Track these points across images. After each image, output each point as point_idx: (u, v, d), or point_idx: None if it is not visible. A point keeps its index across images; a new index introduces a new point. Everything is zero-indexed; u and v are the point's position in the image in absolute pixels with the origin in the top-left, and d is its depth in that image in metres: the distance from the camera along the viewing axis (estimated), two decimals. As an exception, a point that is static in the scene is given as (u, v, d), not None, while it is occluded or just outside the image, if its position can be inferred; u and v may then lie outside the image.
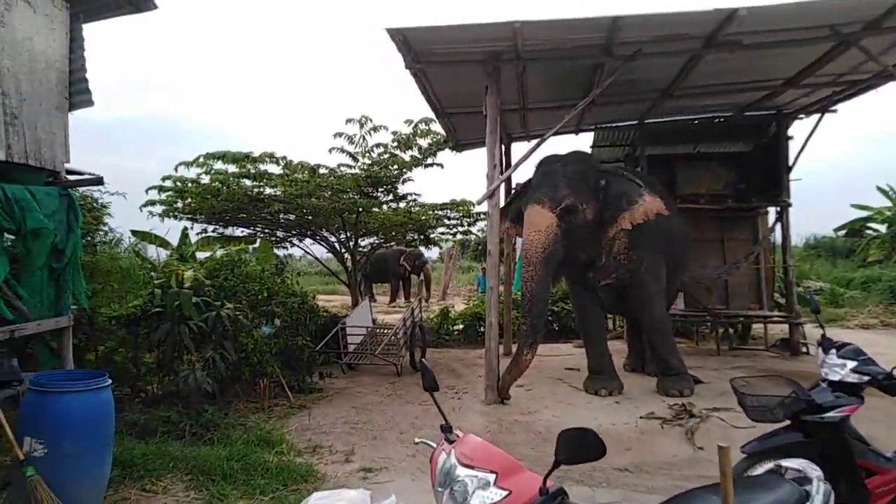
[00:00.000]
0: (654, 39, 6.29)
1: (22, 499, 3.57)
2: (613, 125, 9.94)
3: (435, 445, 2.35)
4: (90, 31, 5.18)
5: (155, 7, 5.27)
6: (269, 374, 6.73)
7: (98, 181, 5.15)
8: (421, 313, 9.86)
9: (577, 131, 9.94)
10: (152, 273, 7.60)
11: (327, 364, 8.24)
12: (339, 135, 10.00)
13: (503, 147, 9.70)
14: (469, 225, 11.55)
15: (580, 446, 1.86)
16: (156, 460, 4.58)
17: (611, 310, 8.83)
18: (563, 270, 6.92)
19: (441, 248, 14.42)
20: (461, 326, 11.75)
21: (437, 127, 9.77)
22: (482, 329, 11.20)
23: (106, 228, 8.10)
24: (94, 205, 7.68)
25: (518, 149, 10.02)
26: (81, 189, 5.71)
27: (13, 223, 4.26)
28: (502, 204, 7.18)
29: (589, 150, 10.34)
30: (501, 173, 7.06)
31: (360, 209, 10.02)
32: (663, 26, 6.08)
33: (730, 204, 9.35)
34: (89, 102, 5.07)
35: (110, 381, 4.05)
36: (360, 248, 11.70)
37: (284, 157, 9.85)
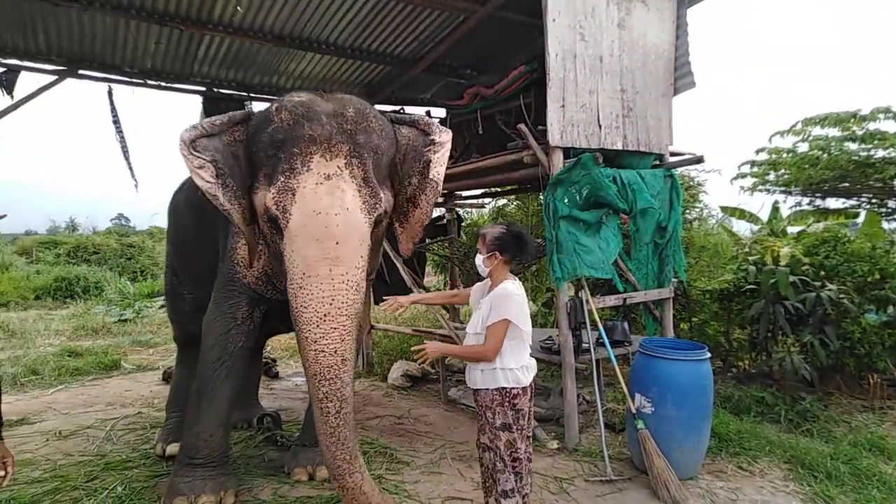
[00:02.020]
0: None
1: (635, 444, 4.10)
2: None
3: None
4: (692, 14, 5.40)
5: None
6: (880, 369, 5.71)
7: (698, 160, 5.36)
8: None
9: None
10: (745, 249, 7.49)
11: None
12: None
13: None
14: None
15: None
16: (751, 440, 4.51)
17: None
18: None
19: None
20: None
21: None
22: None
23: (701, 205, 8.48)
24: (692, 182, 8.12)
25: None
26: (681, 168, 6.06)
27: (626, 204, 4.87)
28: None
29: None
30: None
31: None
32: None
33: None
34: (691, 84, 5.31)
35: (708, 354, 4.20)
36: None
37: (907, 109, 8.11)
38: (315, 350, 2.83)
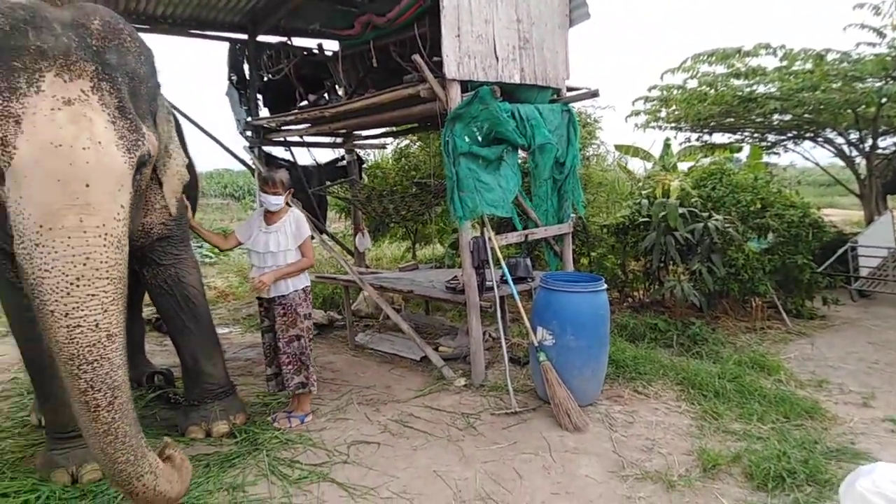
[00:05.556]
0: None
1: (538, 376, 4.16)
2: None
3: None
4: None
5: None
6: (761, 293, 6.13)
7: (594, 94, 5.33)
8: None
9: None
10: (639, 184, 7.73)
11: (831, 289, 7.02)
12: (861, 6, 7.95)
13: None
14: None
15: None
16: (645, 364, 4.71)
17: None
18: None
19: None
20: None
21: None
22: None
23: (597, 142, 8.61)
24: (588, 120, 8.20)
25: None
26: (577, 104, 6.04)
27: (525, 140, 4.79)
28: None
29: None
30: None
31: (884, 99, 7.91)
32: None
33: None
34: (586, 16, 5.22)
35: (605, 285, 4.28)
36: (881, 150, 9.36)
37: (783, 47, 8.43)
38: (68, 326, 2.23)
